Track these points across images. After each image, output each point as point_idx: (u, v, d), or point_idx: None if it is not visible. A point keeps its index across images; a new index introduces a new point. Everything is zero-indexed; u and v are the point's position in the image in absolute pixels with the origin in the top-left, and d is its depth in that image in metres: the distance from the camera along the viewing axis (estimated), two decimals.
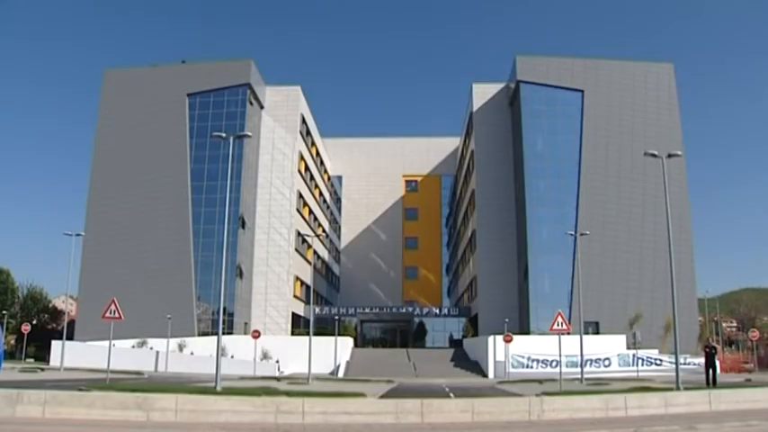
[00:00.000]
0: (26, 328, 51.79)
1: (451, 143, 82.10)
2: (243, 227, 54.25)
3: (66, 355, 40.18)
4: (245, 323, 54.16)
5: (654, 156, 26.93)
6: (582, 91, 55.80)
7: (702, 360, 29.27)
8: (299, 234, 59.38)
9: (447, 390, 27.31)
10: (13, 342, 59.35)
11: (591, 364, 40.60)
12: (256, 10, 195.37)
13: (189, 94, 56.26)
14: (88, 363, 39.54)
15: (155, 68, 59.69)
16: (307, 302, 57.21)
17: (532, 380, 34.04)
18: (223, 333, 28.36)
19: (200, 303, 51.71)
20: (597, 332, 48.42)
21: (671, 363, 34.85)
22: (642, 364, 41.47)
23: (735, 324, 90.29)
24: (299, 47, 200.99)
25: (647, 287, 50.97)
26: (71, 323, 51.25)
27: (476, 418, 14.69)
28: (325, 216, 75.11)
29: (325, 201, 75.73)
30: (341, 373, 44.48)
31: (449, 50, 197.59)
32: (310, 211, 66.24)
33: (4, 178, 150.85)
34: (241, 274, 53.58)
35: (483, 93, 61.88)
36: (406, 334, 68.62)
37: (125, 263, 52.26)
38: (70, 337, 46.40)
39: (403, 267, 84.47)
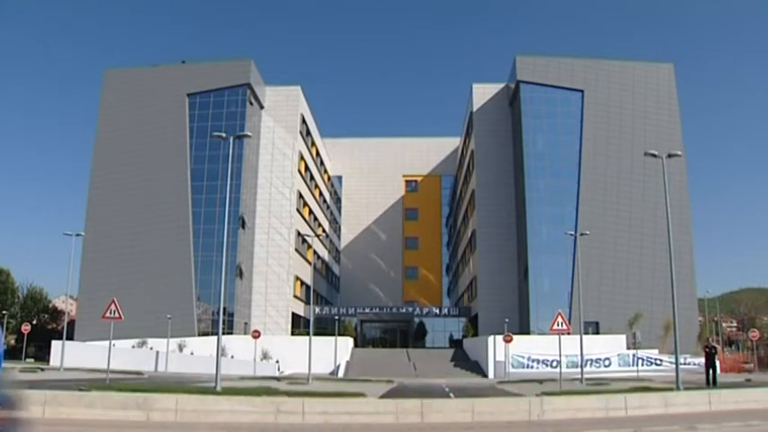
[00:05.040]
0: (26, 328, 51.80)
1: (451, 143, 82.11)
2: (243, 227, 54.25)
3: (66, 355, 40.13)
4: (245, 323, 54.16)
5: (654, 156, 26.94)
6: (582, 91, 55.79)
7: (702, 360, 29.28)
8: (299, 234, 59.37)
9: (447, 390, 27.32)
10: (13, 342, 59.33)
11: (591, 364, 40.61)
12: (256, 10, 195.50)
13: (189, 94, 56.24)
14: (88, 363, 39.48)
15: (155, 68, 59.68)
16: (307, 302, 57.19)
17: (532, 380, 34.02)
18: (223, 333, 28.35)
19: (201, 303, 51.69)
20: (597, 332, 48.41)
21: (671, 363, 34.84)
22: (642, 364, 41.46)
23: (735, 324, 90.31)
24: (299, 47, 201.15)
25: (647, 287, 50.97)
26: (71, 323, 51.21)
27: (476, 418, 14.70)
28: (325, 216, 75.12)
29: (325, 201, 75.73)
30: (341, 373, 44.47)
31: (449, 50, 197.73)
32: (310, 211, 66.23)
33: (4, 178, 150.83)
34: (241, 274, 53.57)
35: (483, 93, 61.87)
36: (406, 334, 68.60)
37: (125, 263, 52.25)
38: (70, 337, 46.36)
39: (403, 267, 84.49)
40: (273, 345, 47.08)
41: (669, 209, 26.09)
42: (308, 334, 39.66)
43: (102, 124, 57.62)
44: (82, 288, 53.34)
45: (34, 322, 62.54)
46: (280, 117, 60.84)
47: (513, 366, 41.58)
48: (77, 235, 43.72)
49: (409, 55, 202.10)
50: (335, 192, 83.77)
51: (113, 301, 25.59)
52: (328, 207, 77.91)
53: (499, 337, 42.73)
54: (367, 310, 66.88)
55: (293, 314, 58.31)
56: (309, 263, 54.12)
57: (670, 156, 27.36)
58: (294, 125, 61.22)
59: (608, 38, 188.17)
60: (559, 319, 27.55)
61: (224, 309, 35.40)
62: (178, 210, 53.27)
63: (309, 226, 63.12)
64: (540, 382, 31.43)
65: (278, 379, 34.38)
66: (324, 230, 71.00)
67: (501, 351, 42.23)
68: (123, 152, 55.79)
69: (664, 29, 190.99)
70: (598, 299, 49.42)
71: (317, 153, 72.69)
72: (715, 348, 28.51)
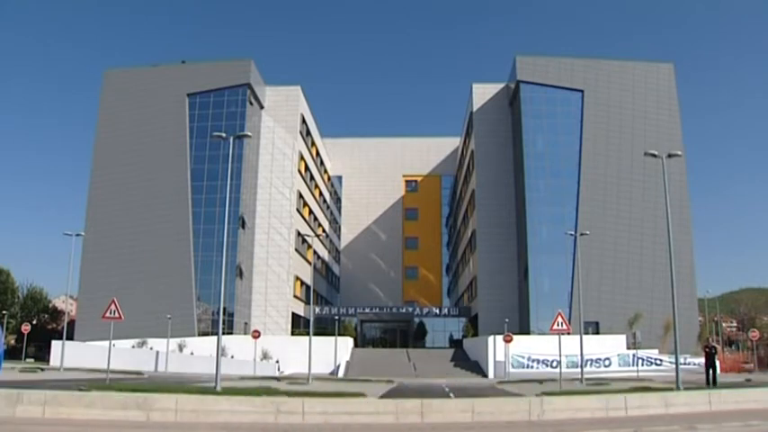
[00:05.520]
0: (26, 328, 51.81)
1: (451, 143, 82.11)
2: (243, 227, 54.24)
3: (66, 355, 40.13)
4: (245, 323, 54.16)
5: (654, 156, 26.95)
6: (582, 91, 55.78)
7: (702, 360, 29.29)
8: (299, 234, 59.36)
9: (447, 390, 27.33)
10: (13, 342, 59.34)
11: (591, 364, 40.61)
12: (256, 10, 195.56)
13: (189, 94, 56.22)
14: (88, 363, 39.51)
15: (155, 68, 59.66)
16: (307, 302, 57.19)
17: (532, 380, 34.04)
18: (223, 333, 28.36)
19: (201, 303, 51.69)
20: (597, 332, 48.41)
21: (671, 363, 34.86)
22: (642, 364, 41.47)
23: (735, 324, 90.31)
24: (299, 47, 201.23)
25: (647, 287, 50.96)
26: (71, 323, 51.22)
27: (476, 418, 14.69)
28: (325, 216, 75.10)
29: (325, 201, 75.72)
30: (341, 373, 44.47)
31: (449, 50, 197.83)
32: (310, 211, 66.23)
33: (4, 178, 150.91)
34: (241, 274, 53.57)
35: (483, 93, 61.84)
36: (406, 334, 68.60)
37: (125, 263, 52.24)
38: (70, 337, 46.36)
39: (403, 267, 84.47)
40: (273, 345, 47.06)
41: (669, 209, 26.10)
42: (307, 334, 39.65)
43: (102, 124, 57.59)
44: (82, 288, 53.33)
45: (34, 322, 62.52)
46: (280, 117, 60.83)
47: (513, 366, 41.57)
48: (77, 235, 43.71)
49: (409, 55, 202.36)
50: (335, 192, 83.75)
51: (113, 301, 25.60)
52: (328, 207, 77.90)
53: (499, 337, 42.73)
54: (367, 310, 66.87)
55: (293, 314, 58.30)
56: (309, 263, 54.12)
57: (670, 156, 27.36)
58: (294, 125, 61.21)
59: (608, 38, 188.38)
60: (559, 319, 27.56)
61: (224, 309, 35.42)
62: (178, 210, 53.26)
63: (309, 226, 63.11)
64: (540, 382, 31.44)
65: (278, 379, 34.39)
66: (324, 230, 70.99)
67: (501, 351, 42.23)
68: (123, 152, 55.77)
69: (664, 29, 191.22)
70: (598, 299, 49.40)
71: (317, 153, 72.68)
72: (715, 348, 28.51)
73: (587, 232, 43.91)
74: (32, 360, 52.69)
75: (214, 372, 23.34)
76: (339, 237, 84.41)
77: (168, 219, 53.28)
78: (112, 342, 27.27)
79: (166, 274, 51.59)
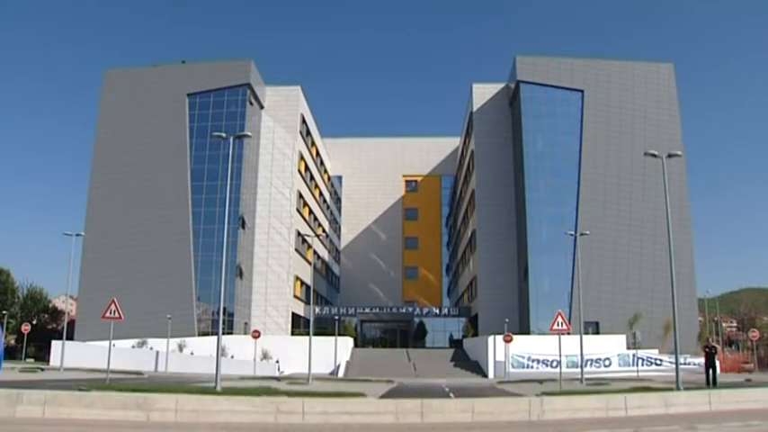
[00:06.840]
0: (26, 328, 51.80)
1: (451, 143, 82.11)
2: (243, 227, 54.24)
3: (66, 355, 40.14)
4: (245, 323, 54.15)
5: (654, 156, 26.95)
6: (582, 91, 55.77)
7: (702, 360, 29.29)
8: (299, 234, 59.36)
9: (447, 390, 27.33)
10: (13, 342, 59.33)
11: (591, 364, 40.61)
12: (256, 10, 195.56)
13: (189, 94, 56.21)
14: (88, 363, 39.53)
15: (155, 68, 59.65)
16: (307, 302, 57.19)
17: (532, 380, 34.05)
18: (223, 333, 28.36)
19: (201, 303, 51.69)
20: (597, 332, 48.42)
21: (671, 363, 34.86)
22: (642, 364, 41.48)
23: (735, 324, 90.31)
24: (299, 47, 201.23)
25: (647, 287, 50.96)
26: (71, 323, 51.22)
27: (476, 418, 14.69)
28: (325, 216, 75.10)
29: (325, 201, 75.72)
30: (341, 373, 44.46)
31: (449, 50, 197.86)
32: (310, 211, 66.22)
33: (4, 178, 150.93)
34: (241, 274, 53.57)
35: (483, 93, 61.83)
36: (406, 334, 68.59)
37: (125, 263, 52.24)
38: (70, 337, 46.36)
39: (403, 267, 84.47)
40: (273, 345, 47.05)
41: (669, 209, 26.10)
42: (307, 334, 39.66)
43: (102, 124, 57.59)
44: (82, 288, 53.33)
45: (34, 322, 62.50)
46: (280, 117, 60.82)
47: (513, 366, 41.57)
48: (77, 235, 43.71)
49: (409, 55, 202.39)
50: (335, 192, 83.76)
51: (113, 301, 25.60)
52: (328, 207, 77.90)
53: (499, 337, 42.73)
54: (367, 310, 66.86)
55: (293, 314, 58.30)
56: (309, 263, 54.12)
57: (670, 156, 27.36)
58: (294, 125, 61.21)
59: (608, 38, 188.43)
60: (559, 319, 27.57)
61: (224, 309, 35.42)
62: (178, 210, 53.26)
63: (309, 226, 63.11)
64: (540, 382, 31.45)
65: (278, 379, 34.39)
66: (324, 230, 70.99)
67: (501, 351, 42.23)
68: (123, 152, 55.77)
69: (664, 29, 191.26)
70: (598, 299, 49.41)
71: (317, 153, 72.67)
72: (715, 348, 28.51)
73: (587, 232, 43.91)
74: (32, 360, 52.67)
75: (214, 372, 23.35)
76: (339, 237, 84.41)
77: (168, 219, 53.28)
78: (112, 342, 27.28)
79: (166, 274, 51.59)
